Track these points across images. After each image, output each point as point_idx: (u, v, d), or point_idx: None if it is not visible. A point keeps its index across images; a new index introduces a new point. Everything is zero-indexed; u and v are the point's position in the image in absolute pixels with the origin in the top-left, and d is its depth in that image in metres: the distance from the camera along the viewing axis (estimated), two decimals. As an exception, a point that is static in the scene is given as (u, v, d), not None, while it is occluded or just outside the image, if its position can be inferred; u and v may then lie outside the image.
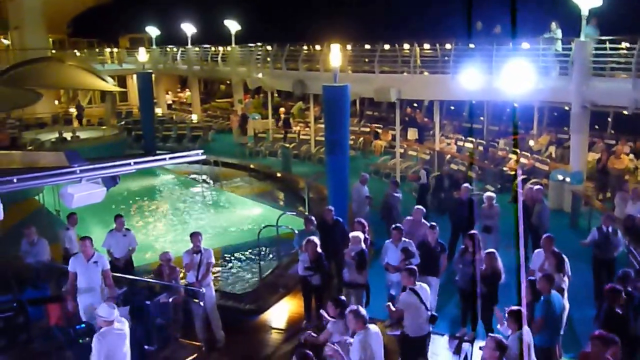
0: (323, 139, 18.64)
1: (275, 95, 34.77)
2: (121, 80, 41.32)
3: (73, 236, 11.70)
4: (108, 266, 9.19)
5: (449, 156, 21.20)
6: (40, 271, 10.72)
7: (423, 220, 11.21)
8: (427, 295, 8.26)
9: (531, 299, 8.05)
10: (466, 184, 13.07)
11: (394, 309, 8.14)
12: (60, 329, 9.50)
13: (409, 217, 11.50)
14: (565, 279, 9.22)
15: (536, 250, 9.75)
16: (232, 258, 14.24)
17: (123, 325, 7.40)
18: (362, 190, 14.10)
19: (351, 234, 9.99)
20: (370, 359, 6.78)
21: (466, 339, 9.70)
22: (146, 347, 9.16)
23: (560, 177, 16.28)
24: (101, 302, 8.52)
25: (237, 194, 21.00)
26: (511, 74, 14.25)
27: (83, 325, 8.91)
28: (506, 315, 7.23)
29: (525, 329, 7.03)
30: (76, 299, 9.07)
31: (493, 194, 12.58)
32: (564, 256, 9.28)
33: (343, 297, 7.88)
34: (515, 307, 7.15)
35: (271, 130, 28.47)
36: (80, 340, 8.55)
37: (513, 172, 18.33)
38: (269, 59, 28.05)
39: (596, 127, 21.02)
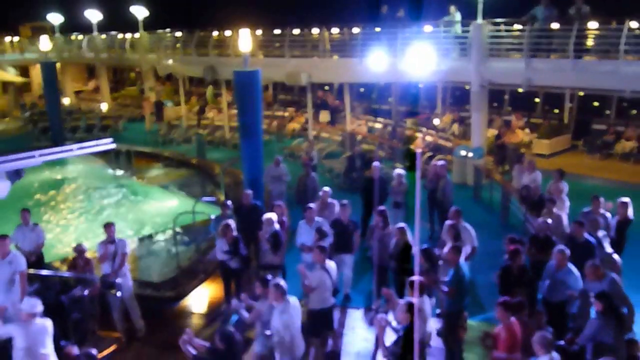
0: (237, 124, 18.70)
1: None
2: (24, 71, 39.50)
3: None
4: (24, 267, 8.97)
5: (360, 137, 21.76)
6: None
7: (331, 199, 11.53)
8: (334, 271, 8.59)
9: (427, 266, 8.58)
10: (376, 163, 13.52)
11: (307, 284, 8.40)
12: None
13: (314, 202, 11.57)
14: (468, 248, 9.81)
15: (446, 222, 10.25)
16: (149, 247, 14.14)
17: (45, 321, 7.35)
18: (276, 171, 14.31)
19: (264, 216, 10.17)
20: (291, 326, 7.14)
21: (380, 310, 10.12)
22: (63, 342, 9.09)
23: (463, 153, 17.12)
24: (13, 302, 8.42)
25: (152, 183, 20.73)
26: (414, 56, 14.71)
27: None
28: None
29: (423, 298, 7.49)
30: None
31: (402, 171, 13.07)
32: (467, 227, 9.92)
33: (269, 277, 8.10)
34: (413, 277, 7.57)
35: (184, 117, 28.13)
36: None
37: (420, 150, 19.07)
38: (178, 45, 27.63)
39: (494, 104, 22.16)
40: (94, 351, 6.57)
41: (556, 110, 22.55)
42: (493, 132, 19.79)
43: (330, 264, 8.58)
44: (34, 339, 7.11)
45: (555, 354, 6.35)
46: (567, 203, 11.63)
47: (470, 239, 9.93)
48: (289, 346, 7.23)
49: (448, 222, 10.12)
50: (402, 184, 12.70)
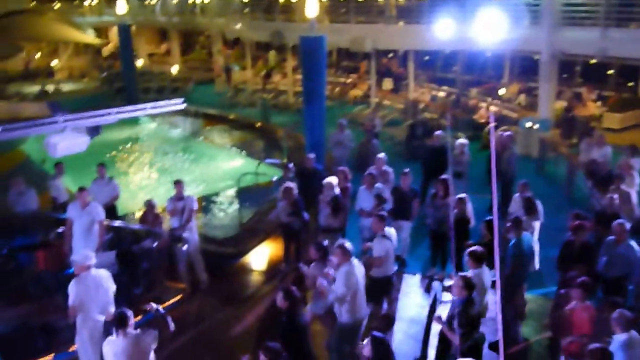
0: (301, 89, 18.88)
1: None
2: (101, 33, 40.67)
3: (60, 185, 12.03)
4: (102, 217, 9.46)
5: (422, 105, 21.60)
6: (29, 219, 11.06)
7: (386, 167, 11.58)
8: (394, 239, 8.71)
9: (490, 238, 8.59)
10: (439, 132, 13.47)
11: (376, 255, 8.54)
12: (50, 274, 9.94)
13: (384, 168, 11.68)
14: (536, 223, 9.74)
15: (515, 195, 10.18)
16: (214, 205, 14.66)
17: (101, 273, 7.65)
18: (341, 136, 14.47)
19: (325, 180, 10.37)
20: (354, 288, 7.30)
21: (436, 278, 10.25)
22: (136, 290, 9.66)
23: (529, 124, 16.79)
24: (90, 249, 8.94)
25: (218, 144, 21.28)
26: (484, 23, 14.52)
27: (72, 270, 9.33)
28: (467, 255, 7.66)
29: (485, 268, 7.56)
30: (70, 245, 9.40)
31: (464, 141, 13.00)
32: (535, 201, 9.76)
33: (325, 242, 8.32)
34: (473, 247, 7.63)
35: (250, 82, 28.53)
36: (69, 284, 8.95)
37: (483, 121, 18.80)
38: (246, 10, 27.88)
39: (564, 75, 21.50)
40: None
41: (630, 83, 21.67)
42: (561, 104, 19.26)
43: (390, 231, 8.73)
44: (89, 289, 7.40)
45: (634, 332, 6.21)
46: (637, 180, 11.32)
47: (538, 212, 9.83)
48: (352, 307, 7.38)
49: (518, 195, 10.02)
50: (464, 154, 12.64)
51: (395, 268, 8.84)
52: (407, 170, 10.68)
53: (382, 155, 11.80)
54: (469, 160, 12.65)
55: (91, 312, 7.32)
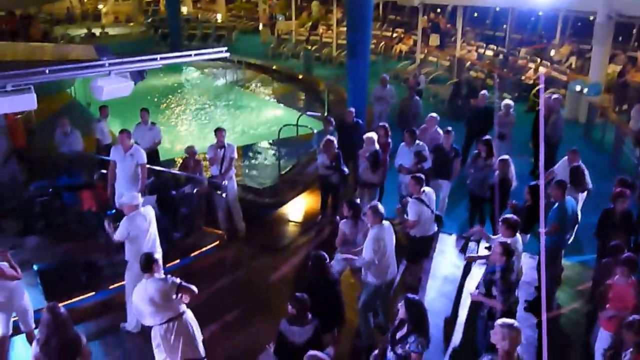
0: (345, 42, 18.64)
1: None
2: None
3: (105, 128, 12.24)
4: (144, 160, 9.56)
5: (469, 63, 21.15)
6: (74, 160, 11.30)
7: (437, 127, 11.40)
8: (432, 199, 8.63)
9: (531, 203, 8.46)
10: (484, 92, 13.20)
11: (409, 219, 8.55)
12: (93, 214, 10.21)
13: (423, 125, 11.57)
14: (582, 195, 9.43)
15: (562, 159, 9.95)
16: (254, 155, 14.77)
17: (148, 210, 7.86)
18: (383, 91, 14.29)
19: (365, 135, 10.31)
20: (383, 251, 7.28)
21: (472, 239, 10.21)
22: (175, 234, 9.85)
23: (578, 88, 16.30)
24: (133, 191, 9.11)
25: (259, 94, 21.30)
26: (538, -19, 14.02)
27: (114, 211, 9.56)
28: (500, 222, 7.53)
29: (518, 236, 7.46)
30: (113, 186, 9.59)
31: (510, 102, 12.73)
32: (583, 171, 9.33)
33: (357, 200, 8.31)
34: (508, 215, 7.52)
35: (294, 32, 28.28)
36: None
37: (531, 82, 18.34)
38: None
39: (619, 38, 20.67)
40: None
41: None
42: (615, 68, 18.59)
43: (430, 191, 8.67)
44: (139, 226, 7.64)
45: None
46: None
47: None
48: (379, 270, 7.39)
49: (566, 160, 9.77)
50: (509, 116, 12.39)
51: (436, 228, 8.78)
52: (449, 128, 10.54)
53: (434, 114, 11.61)
54: (513, 122, 12.40)
55: (143, 248, 7.53)
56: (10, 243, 7.67)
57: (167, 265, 8.38)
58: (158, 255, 7.12)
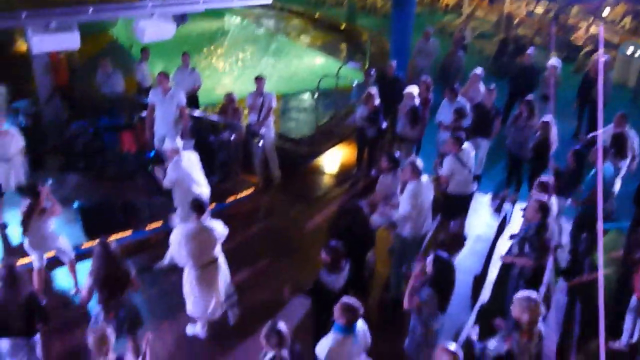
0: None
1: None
2: None
3: (146, 70, 12.30)
4: (184, 102, 9.62)
5: (517, 20, 20.51)
6: (114, 101, 11.42)
7: (480, 84, 11.20)
8: (471, 158, 8.54)
9: (575, 167, 8.30)
10: (531, 50, 12.83)
11: (442, 174, 8.50)
12: (132, 156, 10.38)
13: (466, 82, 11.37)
14: (624, 162, 8.97)
15: (608, 127, 9.66)
16: (293, 104, 14.73)
17: (191, 154, 8.03)
18: (426, 45, 14.01)
19: (406, 90, 10.17)
20: (420, 207, 7.30)
21: (508, 200, 10.11)
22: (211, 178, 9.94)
23: (630, 51, 15.69)
24: (173, 134, 9.22)
25: (300, 42, 21.07)
26: None
27: (153, 153, 9.70)
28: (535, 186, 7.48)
29: (553, 198, 7.35)
30: (152, 129, 9.70)
31: (557, 62, 12.36)
32: (627, 139, 8.91)
33: (397, 153, 8.26)
34: (545, 177, 7.40)
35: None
36: (150, 167, 9.33)
37: (581, 42, 17.73)
38: None
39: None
40: None
41: None
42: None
43: (468, 150, 8.52)
44: (183, 169, 7.76)
45: None
46: None
47: (631, 146, 9.12)
48: (415, 224, 7.41)
49: (611, 126, 9.48)
50: (555, 76, 12.04)
51: (474, 188, 8.71)
52: (492, 86, 10.31)
53: (479, 70, 11.34)
54: (559, 83, 12.05)
55: (189, 191, 7.66)
56: (52, 180, 7.82)
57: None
58: (204, 197, 7.29)
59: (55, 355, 6.63)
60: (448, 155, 8.41)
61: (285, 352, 4.75)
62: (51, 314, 6.98)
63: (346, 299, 5.08)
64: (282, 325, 4.83)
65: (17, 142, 8.70)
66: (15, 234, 8.57)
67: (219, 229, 6.63)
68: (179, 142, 7.96)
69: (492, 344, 5.18)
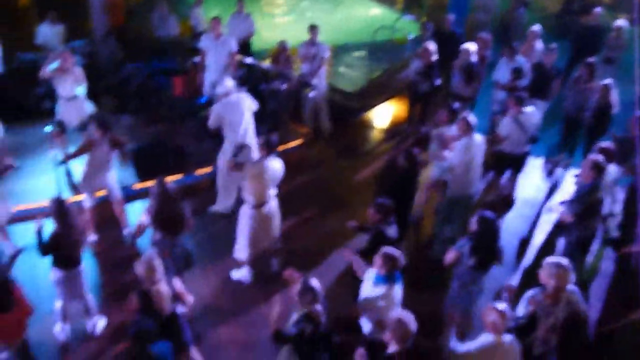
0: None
1: None
2: None
3: (200, 14, 12.28)
4: (235, 48, 9.62)
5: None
6: (169, 44, 11.49)
7: (539, 41, 10.85)
8: (531, 120, 8.33)
9: (634, 135, 8.01)
10: (598, 9, 12.28)
11: (499, 133, 8.33)
12: (184, 100, 10.48)
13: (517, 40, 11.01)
14: None
15: None
16: (345, 56, 14.52)
17: (243, 98, 7.95)
18: (485, 0, 13.51)
19: (462, 46, 9.91)
20: (469, 165, 7.22)
21: (561, 164, 9.87)
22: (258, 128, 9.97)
23: None
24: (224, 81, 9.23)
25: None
26: None
27: (204, 98, 9.77)
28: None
29: (612, 166, 7.12)
30: (203, 74, 9.75)
31: (624, 24, 11.82)
32: None
33: (457, 106, 8.12)
34: (605, 143, 7.18)
35: None
36: (201, 112, 9.42)
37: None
38: None
39: None
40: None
41: None
42: None
43: (529, 111, 8.30)
44: (232, 113, 7.75)
45: None
46: None
47: None
48: (463, 181, 7.33)
49: None
50: (621, 38, 11.53)
51: (527, 149, 8.52)
52: (553, 46, 9.95)
53: (536, 27, 10.93)
54: (624, 46, 11.54)
55: (237, 134, 7.74)
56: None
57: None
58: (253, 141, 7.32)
59: (106, 293, 6.85)
60: (507, 116, 8.24)
61: (318, 307, 4.80)
62: (102, 252, 7.32)
63: (387, 249, 5.11)
64: (315, 282, 4.87)
65: (80, 80, 8.85)
66: (73, 170, 8.84)
67: (279, 168, 6.71)
68: (230, 82, 7.91)
69: (520, 309, 5.19)
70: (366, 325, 5.31)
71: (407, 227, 7.11)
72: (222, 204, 8.37)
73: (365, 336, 5.31)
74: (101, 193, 7.68)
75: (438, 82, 10.17)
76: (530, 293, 5.22)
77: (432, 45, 9.94)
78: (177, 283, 5.52)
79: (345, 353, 5.01)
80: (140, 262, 5.08)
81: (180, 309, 5.33)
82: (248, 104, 7.92)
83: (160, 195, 6.05)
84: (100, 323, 6.34)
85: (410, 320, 4.43)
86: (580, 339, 5.78)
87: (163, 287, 5.07)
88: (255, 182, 6.58)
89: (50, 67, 8.47)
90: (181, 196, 6.36)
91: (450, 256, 5.75)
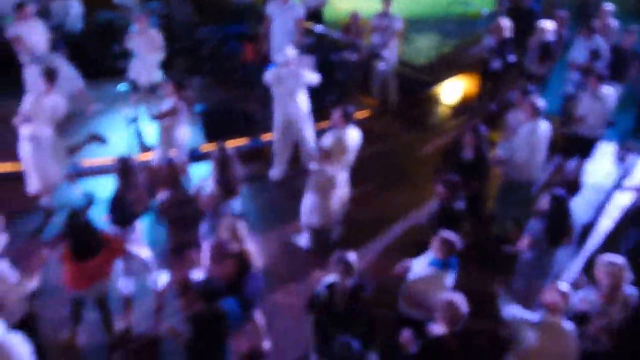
0: None
1: None
2: None
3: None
4: (302, 15, 9.61)
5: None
6: (242, 9, 11.58)
7: (612, 20, 10.38)
8: (610, 101, 8.09)
9: None
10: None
11: (576, 113, 8.13)
12: (254, 66, 10.60)
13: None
14: None
15: None
16: (417, 28, 14.32)
17: (302, 71, 8.04)
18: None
19: (538, 23, 9.65)
20: (533, 147, 7.10)
21: (634, 151, 9.57)
22: (329, 97, 9.97)
23: None
24: (290, 46, 9.30)
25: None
26: None
27: (272, 65, 9.84)
28: None
29: None
30: (268, 40, 9.79)
31: None
32: None
33: (531, 87, 7.96)
34: None
35: None
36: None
37: None
38: None
39: None
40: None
41: None
42: None
43: (608, 92, 8.07)
44: (285, 78, 7.90)
45: None
46: None
47: None
48: (524, 166, 7.22)
49: None
50: None
51: (601, 132, 8.30)
52: (633, 28, 9.55)
53: (609, 6, 10.53)
54: None
55: (288, 104, 7.87)
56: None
57: (319, 128, 8.68)
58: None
59: (168, 250, 7.10)
60: (586, 95, 8.01)
61: (350, 282, 4.83)
62: (166, 210, 7.57)
63: (445, 233, 5.10)
64: (351, 256, 4.91)
65: (155, 41, 9.09)
66: (143, 129, 9.14)
67: (356, 137, 6.75)
68: (291, 52, 7.96)
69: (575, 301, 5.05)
70: (411, 306, 5.27)
71: (473, 206, 7.03)
72: (275, 170, 8.55)
73: (408, 316, 5.28)
74: (172, 152, 7.94)
75: (511, 59, 9.93)
76: (581, 294, 5.09)
77: (505, 21, 9.71)
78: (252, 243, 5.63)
79: (385, 329, 5.07)
80: (223, 227, 5.23)
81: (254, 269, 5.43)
82: (306, 78, 7.98)
83: (220, 159, 6.22)
84: (162, 278, 6.57)
85: (461, 302, 4.42)
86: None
87: (250, 246, 5.24)
88: (333, 147, 6.67)
89: (129, 30, 8.78)
90: (239, 161, 6.48)
91: (524, 242, 5.70)
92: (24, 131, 7.14)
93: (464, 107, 10.79)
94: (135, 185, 6.03)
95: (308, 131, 8.34)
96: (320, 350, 4.90)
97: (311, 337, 5.06)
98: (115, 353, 5.84)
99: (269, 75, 7.98)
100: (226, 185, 6.26)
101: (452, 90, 11.41)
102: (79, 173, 7.96)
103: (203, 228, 6.38)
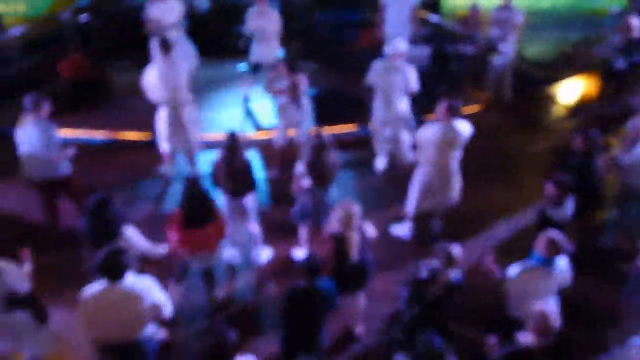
0: None
1: None
2: None
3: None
4: (415, 2, 9.52)
5: None
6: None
7: None
8: None
9: None
10: None
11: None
12: (367, 53, 10.59)
13: None
14: None
15: None
16: (539, 23, 13.82)
17: (402, 65, 7.91)
18: None
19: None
20: None
21: None
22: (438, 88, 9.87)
23: None
24: (404, 36, 9.23)
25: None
26: None
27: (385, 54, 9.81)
28: None
29: None
30: (382, 28, 9.76)
31: None
32: None
33: None
34: None
35: None
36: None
37: None
38: None
39: None
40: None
41: None
42: None
43: None
44: (382, 75, 7.89)
45: None
46: None
47: None
48: None
49: None
50: None
51: None
52: None
53: None
54: None
55: (387, 100, 7.92)
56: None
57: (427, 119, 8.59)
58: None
59: (275, 227, 7.27)
60: None
61: (450, 273, 4.81)
62: (276, 187, 7.77)
63: (554, 234, 4.95)
64: (455, 248, 4.92)
65: (275, 22, 9.32)
66: (257, 108, 9.42)
67: (466, 129, 6.69)
68: (402, 44, 7.86)
69: None
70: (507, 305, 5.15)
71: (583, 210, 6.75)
72: (378, 160, 8.58)
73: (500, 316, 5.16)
74: (290, 132, 8.16)
75: (638, 60, 9.38)
76: None
77: (636, 21, 9.18)
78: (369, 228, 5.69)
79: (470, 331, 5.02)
80: (340, 208, 5.28)
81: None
82: (409, 76, 7.89)
83: (315, 146, 6.28)
84: (264, 253, 6.80)
85: (555, 315, 4.27)
86: None
87: (355, 236, 5.25)
88: (438, 143, 6.61)
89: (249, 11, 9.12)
90: (344, 147, 6.51)
91: None
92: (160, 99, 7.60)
93: (580, 109, 10.33)
94: (240, 161, 6.22)
95: (404, 133, 8.29)
96: (403, 347, 4.86)
97: (393, 333, 5.05)
98: (214, 316, 6.10)
99: (374, 67, 7.95)
100: (319, 172, 6.32)
101: (570, 90, 10.93)
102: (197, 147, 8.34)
103: (294, 211, 6.56)
